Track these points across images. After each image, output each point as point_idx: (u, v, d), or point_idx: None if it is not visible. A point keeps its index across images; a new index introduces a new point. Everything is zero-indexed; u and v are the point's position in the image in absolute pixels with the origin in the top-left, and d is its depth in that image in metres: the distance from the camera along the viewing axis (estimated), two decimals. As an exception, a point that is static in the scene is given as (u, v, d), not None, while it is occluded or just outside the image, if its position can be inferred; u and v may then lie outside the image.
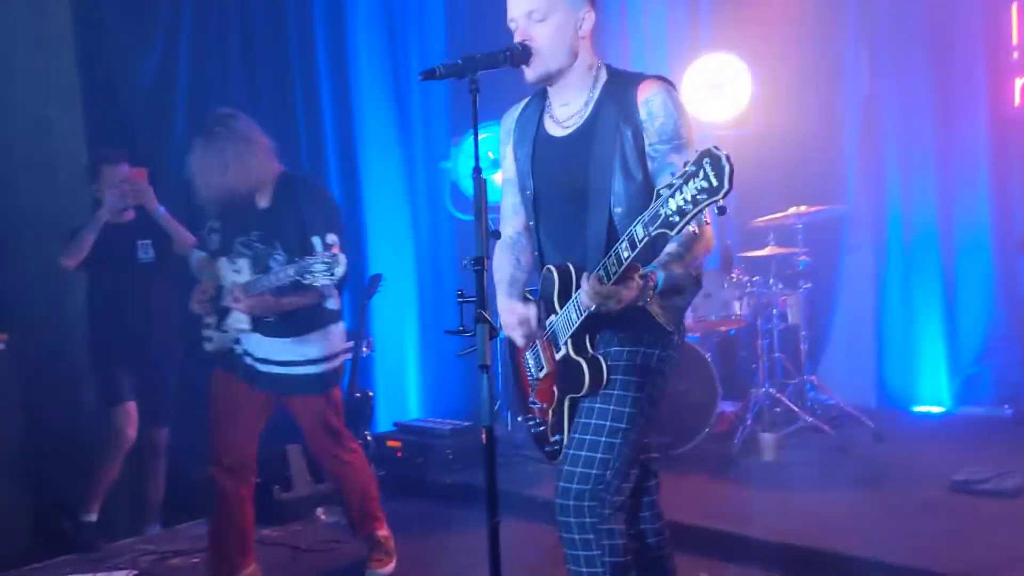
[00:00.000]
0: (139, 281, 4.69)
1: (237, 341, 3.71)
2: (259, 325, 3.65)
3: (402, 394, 6.34)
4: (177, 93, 5.45)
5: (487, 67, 2.28)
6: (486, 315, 2.05)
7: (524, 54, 2.34)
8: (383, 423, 5.85)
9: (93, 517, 4.59)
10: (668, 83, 2.42)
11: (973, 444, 5.05)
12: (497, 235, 2.20)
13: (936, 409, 5.96)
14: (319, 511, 4.80)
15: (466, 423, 5.37)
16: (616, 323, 2.40)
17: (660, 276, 2.23)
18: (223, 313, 3.71)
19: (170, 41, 5.45)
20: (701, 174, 1.91)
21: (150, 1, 5.38)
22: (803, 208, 5.36)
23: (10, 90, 4.88)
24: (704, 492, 4.45)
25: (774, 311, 5.47)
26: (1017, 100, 5.67)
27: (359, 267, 6.12)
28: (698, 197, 1.92)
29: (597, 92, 2.45)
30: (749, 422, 5.18)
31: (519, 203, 2.63)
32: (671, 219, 1.98)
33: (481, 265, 2.10)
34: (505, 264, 2.63)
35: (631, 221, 2.15)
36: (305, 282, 3.36)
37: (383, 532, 4.05)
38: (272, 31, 5.86)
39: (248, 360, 3.70)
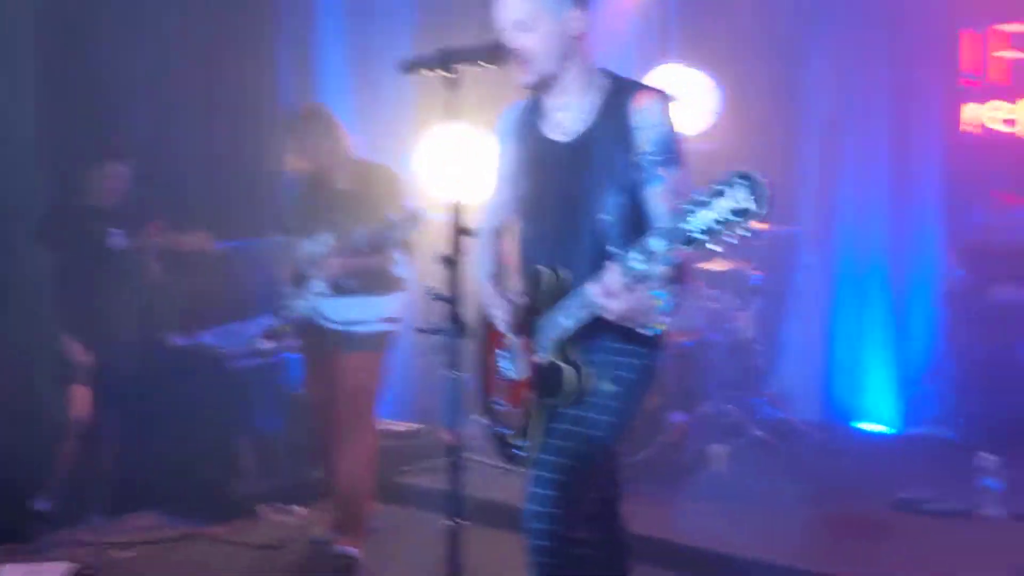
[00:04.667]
0: (108, 268, 4.69)
1: (316, 308, 4.13)
2: (337, 288, 4.09)
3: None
4: (136, 76, 5.34)
5: (464, 62, 2.26)
6: (458, 315, 2.03)
7: (504, 51, 2.33)
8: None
9: (47, 505, 4.50)
10: (665, 96, 2.42)
11: (917, 463, 5.14)
12: (470, 232, 2.17)
13: (881, 428, 6.05)
14: (265, 508, 4.73)
15: (419, 425, 5.33)
16: (599, 331, 2.38)
17: (667, 300, 2.23)
18: (301, 284, 4.16)
19: (132, 25, 5.33)
20: (735, 195, 1.86)
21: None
22: (760, 225, 5.41)
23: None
24: (654, 502, 4.46)
25: (727, 325, 5.52)
26: (966, 126, 5.79)
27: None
28: (731, 219, 1.87)
29: (596, 99, 2.44)
30: (700, 434, 5.21)
31: (508, 201, 2.61)
32: (694, 236, 1.93)
33: (454, 262, 2.08)
34: (490, 257, 2.62)
35: (618, 230, 2.14)
36: (388, 238, 3.82)
37: (353, 553, 4.10)
38: (235, 19, 5.77)
39: (323, 323, 4.14)
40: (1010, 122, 5.64)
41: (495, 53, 2.30)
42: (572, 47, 2.40)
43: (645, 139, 2.34)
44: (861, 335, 6.19)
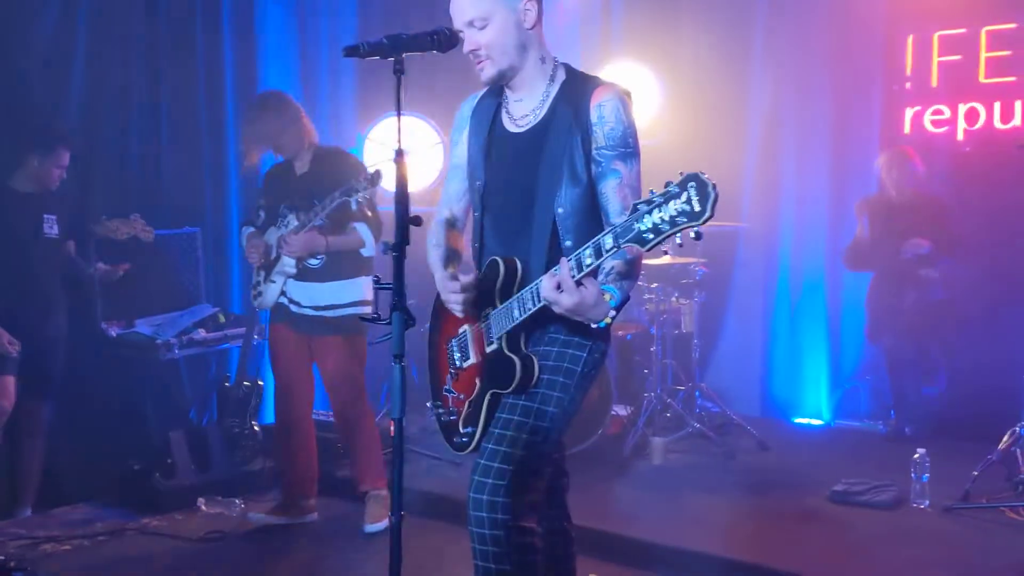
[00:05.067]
0: (41, 255, 4.60)
1: (283, 293, 4.22)
2: (303, 272, 4.17)
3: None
4: (74, 65, 5.19)
5: (413, 50, 2.24)
6: (403, 303, 2.01)
7: (451, 39, 2.31)
8: (273, 414, 5.69)
9: None
10: (623, 91, 2.43)
11: (850, 456, 5.23)
12: (417, 221, 2.15)
13: (816, 421, 6.17)
14: (201, 501, 4.65)
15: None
16: (548, 322, 2.39)
17: (618, 296, 2.23)
18: (270, 269, 4.23)
19: (67, 6, 5.19)
20: (684, 197, 1.90)
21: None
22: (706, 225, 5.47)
23: None
24: (595, 493, 4.49)
25: (669, 318, 5.57)
26: (907, 128, 5.91)
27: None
28: (677, 219, 1.91)
29: (553, 91, 2.45)
30: (640, 426, 5.26)
31: (465, 191, 2.61)
32: (644, 235, 1.97)
33: (400, 251, 2.06)
34: (444, 242, 2.60)
35: (573, 222, 2.15)
36: (343, 204, 3.85)
37: (383, 491, 4.31)
38: (177, 4, 5.65)
39: (293, 308, 4.22)
40: (950, 123, 5.77)
41: (440, 40, 2.27)
42: (528, 38, 2.41)
43: (602, 134, 2.36)
44: (797, 332, 6.30)
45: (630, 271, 2.30)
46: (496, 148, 2.51)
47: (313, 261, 4.18)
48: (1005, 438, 4.42)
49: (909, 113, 5.92)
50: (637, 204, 2.00)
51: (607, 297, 2.19)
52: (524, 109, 2.47)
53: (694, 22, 6.25)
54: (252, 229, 4.39)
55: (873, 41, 6.01)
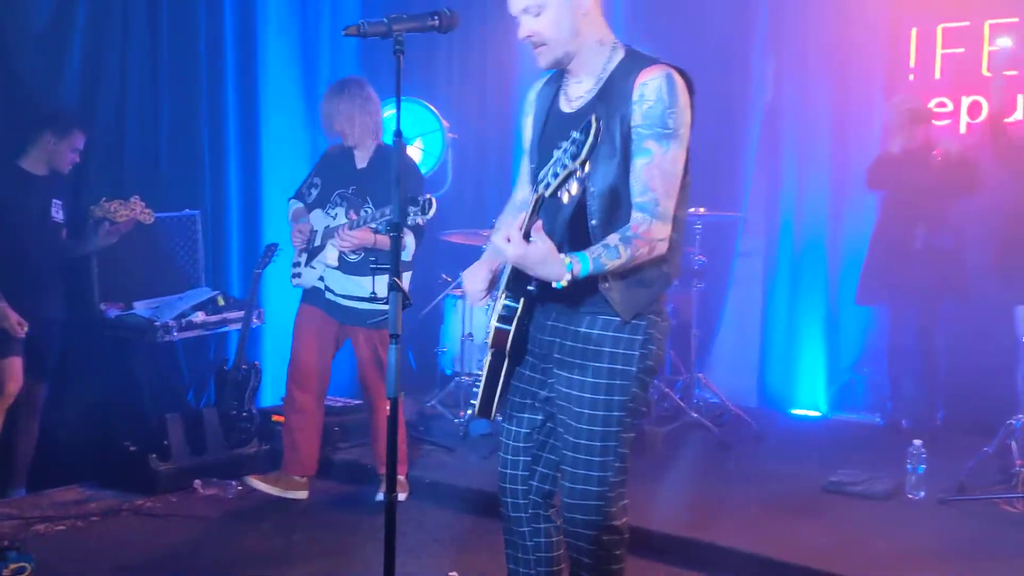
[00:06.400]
0: (47, 239, 4.61)
1: (321, 279, 4.36)
2: (343, 264, 4.30)
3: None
4: (72, 43, 5.16)
5: (413, 29, 2.23)
6: (399, 283, 2.00)
7: (452, 19, 2.30)
8: (270, 397, 5.71)
9: None
10: (675, 72, 2.39)
11: (846, 448, 5.23)
12: (415, 202, 2.15)
13: (813, 413, 6.17)
14: (196, 483, 4.65)
15: (357, 401, 5.28)
16: (567, 303, 2.41)
17: (587, 265, 2.22)
18: (313, 253, 4.38)
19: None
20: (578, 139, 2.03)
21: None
22: (702, 210, 5.47)
23: None
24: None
25: (667, 308, 5.54)
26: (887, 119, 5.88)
27: (254, 236, 5.96)
28: (568, 163, 2.04)
29: (608, 72, 2.43)
30: (637, 415, 5.25)
31: (527, 173, 2.62)
32: (548, 183, 2.12)
33: (397, 231, 2.05)
34: (505, 224, 2.60)
35: (600, 203, 2.15)
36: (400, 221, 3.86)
37: (403, 476, 4.50)
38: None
39: (329, 295, 4.36)
40: (952, 116, 5.75)
41: (441, 20, 2.26)
42: (584, 22, 2.40)
43: (640, 112, 2.33)
44: (796, 323, 6.29)
45: (621, 246, 2.27)
46: (549, 129, 2.50)
47: (354, 255, 4.29)
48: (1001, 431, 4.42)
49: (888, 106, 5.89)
50: (561, 142, 2.14)
51: (568, 261, 2.19)
52: (580, 90, 2.46)
53: (696, 12, 6.22)
54: (300, 205, 4.51)
55: (876, 32, 5.99)
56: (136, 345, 5.05)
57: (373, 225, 4.13)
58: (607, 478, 2.43)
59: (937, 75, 5.84)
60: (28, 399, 4.60)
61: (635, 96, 2.33)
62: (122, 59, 5.35)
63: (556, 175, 2.08)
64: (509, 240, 2.13)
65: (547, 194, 2.09)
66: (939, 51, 5.81)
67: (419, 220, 3.67)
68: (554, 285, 2.21)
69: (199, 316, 5.17)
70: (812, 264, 6.22)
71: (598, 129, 1.97)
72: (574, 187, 2.07)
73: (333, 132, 4.37)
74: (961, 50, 5.74)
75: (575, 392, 2.40)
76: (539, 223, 2.16)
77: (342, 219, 4.27)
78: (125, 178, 5.26)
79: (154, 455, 4.63)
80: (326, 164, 4.50)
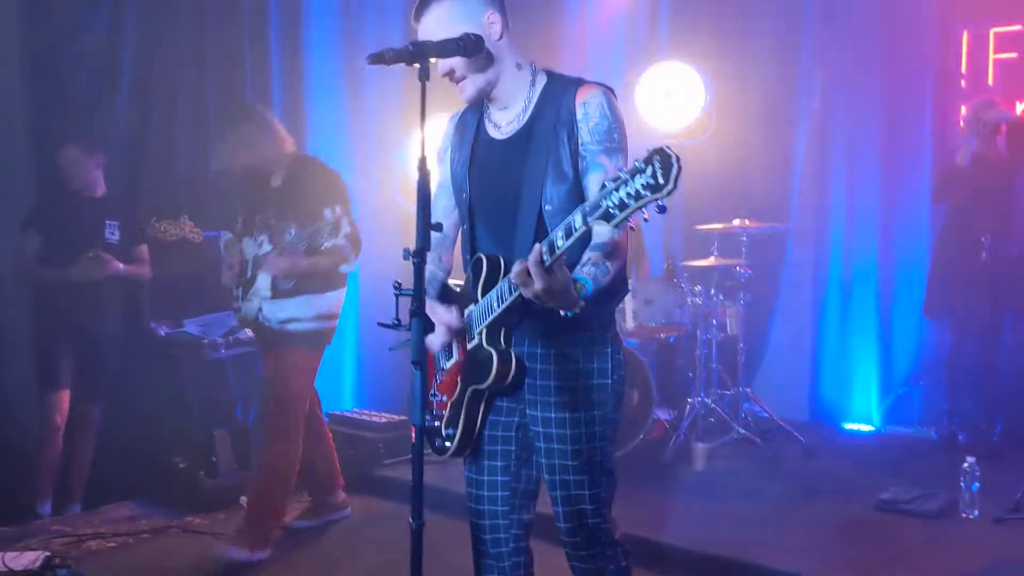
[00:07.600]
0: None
1: (260, 309, 4.10)
2: (277, 291, 4.07)
3: (337, 385, 6.25)
4: (122, 66, 5.29)
5: (438, 55, 2.23)
6: (422, 309, 2.00)
7: (478, 44, 2.29)
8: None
9: (47, 508, 4.58)
10: (607, 89, 2.42)
11: (899, 464, 5.12)
12: (438, 227, 2.14)
13: (866, 427, 6.05)
14: (243, 500, 4.70)
15: (400, 417, 5.31)
16: (543, 326, 2.36)
17: (589, 286, 2.20)
18: (248, 286, 4.13)
19: (117, 9, 5.28)
20: (649, 171, 1.87)
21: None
22: (747, 222, 5.41)
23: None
24: (634, 499, 4.43)
25: (713, 321, 5.49)
26: (963, 126, 5.76)
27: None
28: (642, 192, 1.88)
29: (536, 95, 2.43)
30: (683, 430, 5.20)
31: (452, 208, 2.60)
32: (611, 211, 1.94)
33: (421, 257, 2.05)
34: (429, 261, 2.55)
35: (559, 219, 2.10)
36: (315, 244, 3.89)
37: (342, 497, 4.49)
38: (225, 9, 5.72)
39: (266, 324, 4.11)
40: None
41: (466, 45, 2.26)
42: (499, 49, 2.40)
43: (586, 129, 2.34)
44: (847, 335, 6.18)
45: (607, 262, 2.24)
46: (480, 157, 2.49)
47: (286, 283, 4.10)
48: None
49: (964, 111, 5.77)
50: (605, 182, 1.97)
51: (578, 287, 2.16)
52: (508, 116, 2.46)
53: (742, 21, 6.16)
54: (230, 236, 4.31)
55: (926, 37, 5.87)
56: (186, 362, 5.14)
57: (294, 249, 3.96)
58: (598, 495, 2.41)
59: (990, 80, 5.71)
60: (84, 417, 4.72)
61: (579, 115, 2.34)
62: (171, 82, 5.47)
63: (625, 206, 1.92)
64: (530, 273, 2.08)
65: (613, 224, 1.98)
66: (991, 56, 5.67)
67: (328, 243, 3.66)
68: (564, 314, 2.18)
69: (247, 333, 5.23)
70: (863, 274, 6.11)
71: (678, 157, 1.90)
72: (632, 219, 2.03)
73: (236, 168, 4.23)
74: (1014, 55, 5.60)
75: (554, 415, 2.38)
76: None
77: (267, 247, 4.08)
78: (174, 198, 5.35)
79: (202, 472, 4.69)
80: (244, 188, 4.30)
